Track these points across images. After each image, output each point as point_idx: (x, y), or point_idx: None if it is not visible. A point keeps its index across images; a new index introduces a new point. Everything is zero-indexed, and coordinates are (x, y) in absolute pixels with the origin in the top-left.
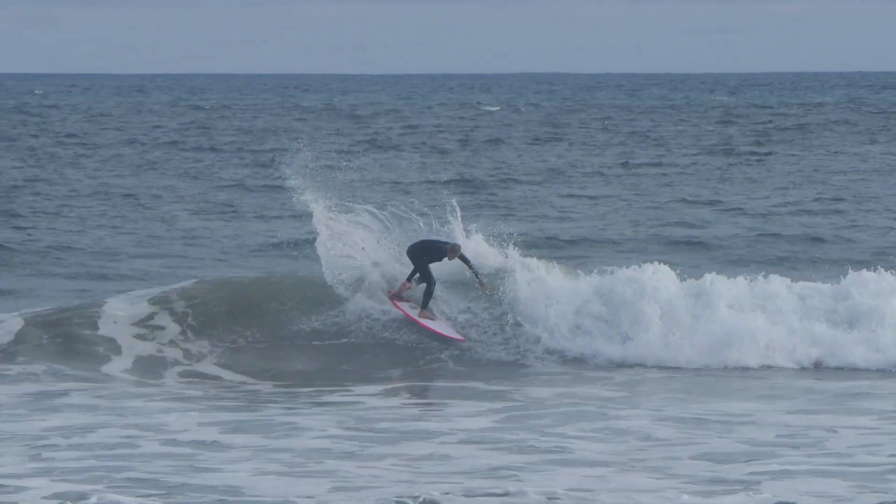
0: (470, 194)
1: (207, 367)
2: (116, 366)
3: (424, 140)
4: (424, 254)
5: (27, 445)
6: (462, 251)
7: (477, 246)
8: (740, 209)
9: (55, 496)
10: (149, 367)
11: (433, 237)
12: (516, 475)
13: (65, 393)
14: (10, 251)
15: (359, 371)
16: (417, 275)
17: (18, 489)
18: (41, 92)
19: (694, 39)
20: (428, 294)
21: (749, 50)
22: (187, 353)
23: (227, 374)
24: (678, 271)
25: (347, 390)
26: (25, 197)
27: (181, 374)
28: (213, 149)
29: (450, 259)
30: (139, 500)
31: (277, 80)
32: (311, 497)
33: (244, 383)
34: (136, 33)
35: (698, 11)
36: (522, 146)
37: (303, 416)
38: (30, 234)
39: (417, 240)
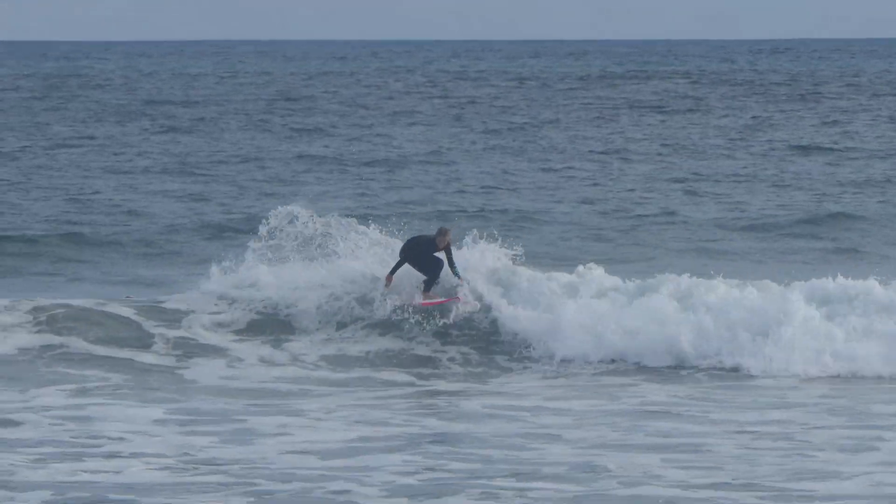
0: None
1: None
2: None
3: None
4: (416, 249)
5: None
6: (449, 238)
7: None
8: None
9: None
10: None
11: (424, 232)
12: None
13: None
14: None
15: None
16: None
17: None
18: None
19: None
20: (429, 282)
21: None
22: None
23: None
24: None
25: None
26: None
27: None
28: None
29: (440, 246)
30: None
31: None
32: None
33: None
34: None
35: None
36: None
37: None
38: None
39: (409, 238)
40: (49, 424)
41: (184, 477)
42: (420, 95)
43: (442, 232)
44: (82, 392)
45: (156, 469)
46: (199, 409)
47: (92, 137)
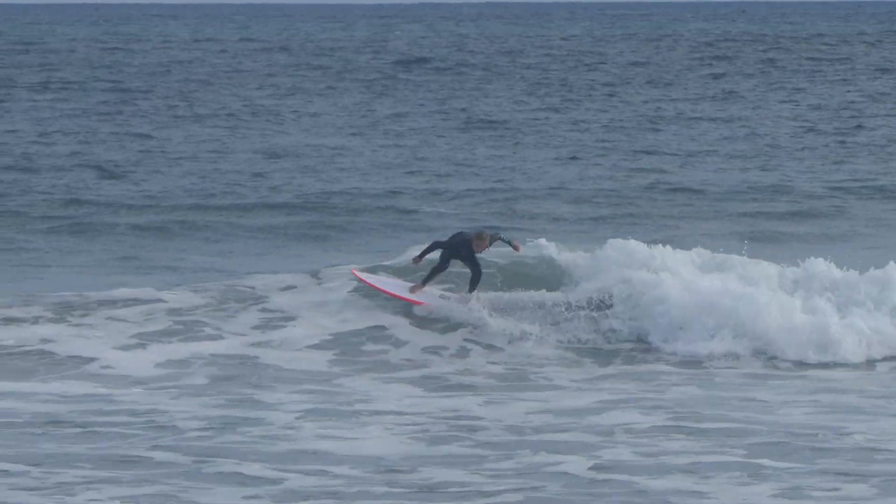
0: None
1: None
2: None
3: None
4: (451, 249)
5: None
6: (486, 246)
7: None
8: None
9: None
10: None
11: (463, 228)
12: None
13: None
14: None
15: None
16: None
17: None
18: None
19: None
20: (473, 281)
21: None
22: None
23: None
24: None
25: None
26: None
27: None
28: None
29: (477, 250)
30: None
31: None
32: None
33: None
34: None
35: None
36: None
37: None
38: None
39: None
40: None
41: None
42: None
43: (481, 237)
44: None
45: None
46: None
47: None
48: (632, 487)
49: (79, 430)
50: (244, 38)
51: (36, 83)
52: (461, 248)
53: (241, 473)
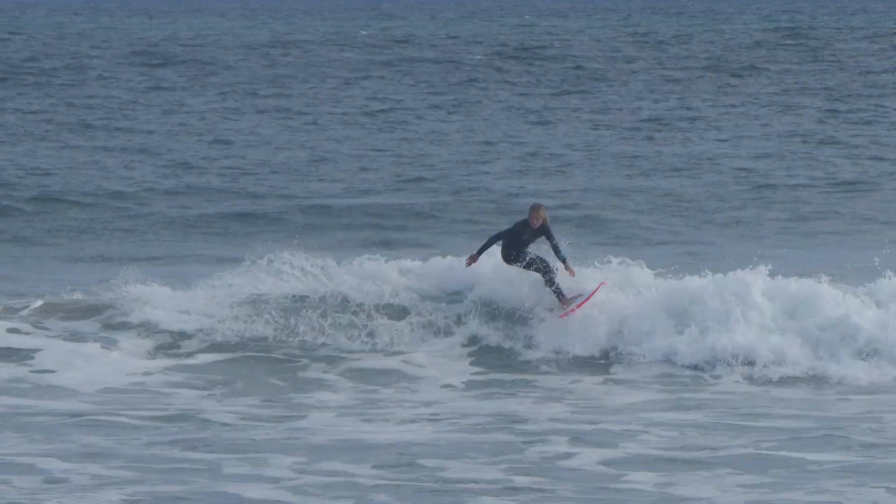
0: None
1: None
2: None
3: None
4: (509, 245)
5: None
6: (544, 215)
7: None
8: None
9: None
10: None
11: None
12: None
13: None
14: None
15: None
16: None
17: None
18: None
19: None
20: (549, 281)
21: None
22: None
23: None
24: None
25: None
26: None
27: None
28: None
29: (533, 224)
30: None
31: None
32: None
33: None
34: None
35: None
36: None
37: None
38: None
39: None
40: None
41: None
42: None
43: (534, 208)
44: None
45: None
46: None
47: None
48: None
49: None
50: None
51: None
52: (523, 231)
53: (268, 465)
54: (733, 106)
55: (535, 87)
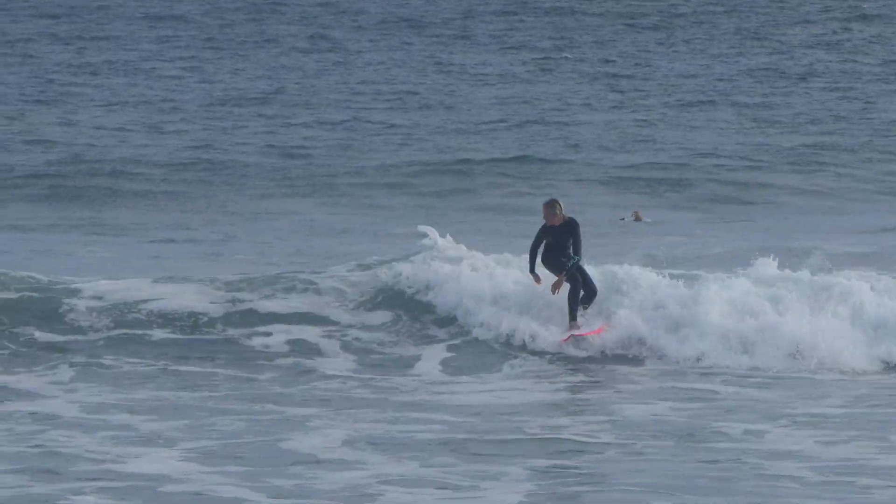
0: None
1: None
2: None
3: None
4: (543, 252)
5: None
6: (559, 210)
7: None
8: None
9: None
10: None
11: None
12: None
13: None
14: None
15: None
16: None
17: None
18: None
19: None
20: (573, 299)
21: None
22: None
23: None
24: None
25: None
26: None
27: None
28: None
29: (551, 222)
30: None
31: None
32: None
33: None
34: None
35: None
36: None
37: None
38: None
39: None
40: None
41: None
42: None
43: (545, 204)
44: None
45: None
46: None
47: None
48: None
49: None
50: None
51: None
52: (546, 233)
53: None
54: None
55: None
